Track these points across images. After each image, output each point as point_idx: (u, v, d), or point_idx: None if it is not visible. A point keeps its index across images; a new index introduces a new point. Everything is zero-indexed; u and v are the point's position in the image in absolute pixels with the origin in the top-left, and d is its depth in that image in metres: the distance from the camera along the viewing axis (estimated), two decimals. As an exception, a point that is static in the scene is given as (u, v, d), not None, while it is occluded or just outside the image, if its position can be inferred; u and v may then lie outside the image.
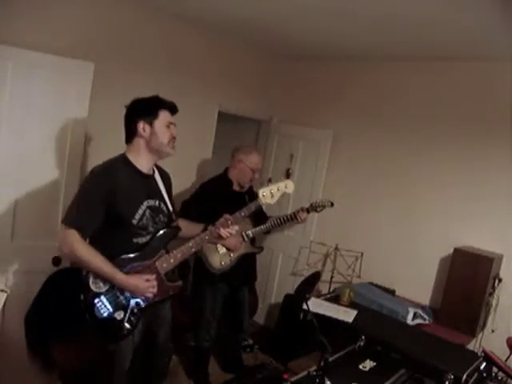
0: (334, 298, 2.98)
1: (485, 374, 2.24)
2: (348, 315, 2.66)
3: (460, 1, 2.12)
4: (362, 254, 3.36)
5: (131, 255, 1.92)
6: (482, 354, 2.35)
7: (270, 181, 2.26)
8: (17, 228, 2.49)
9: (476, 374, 2.18)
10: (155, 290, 1.95)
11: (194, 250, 2.08)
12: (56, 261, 2.65)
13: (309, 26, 2.96)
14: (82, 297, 1.91)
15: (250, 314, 3.59)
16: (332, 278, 3.45)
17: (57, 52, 2.49)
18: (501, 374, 2.29)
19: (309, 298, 2.39)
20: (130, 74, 3.03)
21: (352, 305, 2.88)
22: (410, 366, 2.16)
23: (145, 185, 1.99)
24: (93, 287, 1.89)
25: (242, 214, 2.25)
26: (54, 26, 2.61)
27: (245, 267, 3.00)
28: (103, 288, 1.89)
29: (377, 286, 3.31)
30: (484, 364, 2.26)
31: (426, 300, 3.20)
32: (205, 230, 2.16)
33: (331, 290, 3.39)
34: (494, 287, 2.85)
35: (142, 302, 1.96)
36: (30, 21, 2.50)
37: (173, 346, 2.55)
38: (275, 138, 4.22)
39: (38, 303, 2.50)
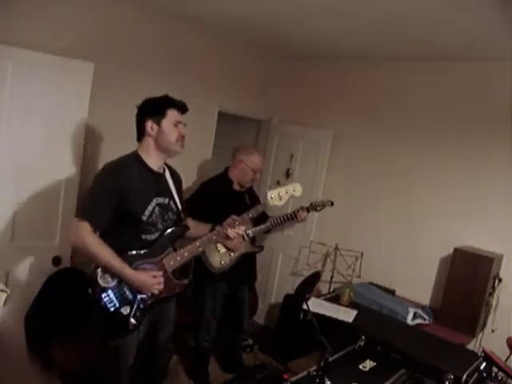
0: (334, 298, 2.98)
1: (485, 374, 2.24)
2: (348, 315, 2.66)
3: (460, 1, 2.12)
4: (362, 254, 3.36)
5: (139, 251, 1.96)
6: (482, 354, 2.35)
7: (278, 183, 2.28)
8: (17, 228, 2.49)
9: (476, 374, 2.18)
10: (161, 286, 1.97)
11: (201, 249, 2.12)
12: (56, 261, 2.65)
13: (309, 25, 2.96)
14: (89, 291, 1.94)
15: (250, 314, 3.59)
16: (332, 278, 3.45)
17: (57, 52, 2.49)
18: (501, 374, 2.29)
19: (309, 298, 2.39)
20: (130, 74, 3.03)
21: (352, 305, 2.88)
22: (410, 366, 2.16)
23: (155, 182, 2.03)
24: (101, 282, 1.92)
25: (250, 215, 2.27)
26: (54, 26, 2.61)
27: (245, 267, 3.00)
28: (111, 283, 1.93)
29: (377, 286, 3.31)
30: (484, 364, 2.26)
31: (426, 300, 3.20)
32: (212, 230, 2.18)
33: (331, 290, 3.39)
34: (493, 287, 2.85)
35: (148, 299, 1.98)
36: (30, 21, 2.50)
37: (173, 345, 2.55)
38: (275, 138, 4.22)
39: (38, 303, 2.50)
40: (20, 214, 2.49)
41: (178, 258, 2.04)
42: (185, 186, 3.46)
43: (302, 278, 2.48)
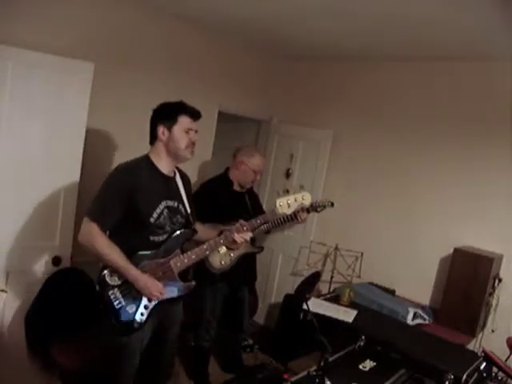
0: (334, 298, 2.99)
1: (485, 374, 2.24)
2: (348, 315, 2.66)
3: (460, 1, 2.12)
4: (362, 254, 3.36)
5: (147, 252, 1.98)
6: (482, 354, 2.35)
7: (287, 191, 2.27)
8: (17, 228, 2.49)
9: (476, 374, 2.18)
10: (162, 297, 1.99)
11: (208, 252, 2.13)
12: (56, 261, 2.65)
13: (309, 25, 2.96)
14: (97, 288, 1.98)
15: (250, 314, 3.59)
16: (332, 278, 3.45)
17: (57, 52, 2.48)
18: (501, 374, 2.29)
19: (309, 298, 2.40)
20: (130, 74, 3.04)
21: (352, 305, 2.88)
22: (410, 366, 2.16)
23: (165, 186, 2.06)
24: (108, 280, 1.96)
25: (258, 221, 2.26)
26: (53, 26, 2.61)
27: (245, 267, 3.00)
28: (118, 281, 1.96)
29: (377, 286, 3.31)
30: (484, 364, 2.26)
31: (426, 300, 3.20)
32: (220, 234, 2.19)
33: (331, 290, 3.39)
34: (493, 287, 2.85)
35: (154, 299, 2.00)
36: (30, 21, 2.50)
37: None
38: (275, 138, 4.22)
39: (38, 303, 2.50)
40: (20, 214, 2.49)
41: (186, 261, 2.06)
42: (185, 186, 3.48)
43: (302, 278, 2.48)
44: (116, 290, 1.96)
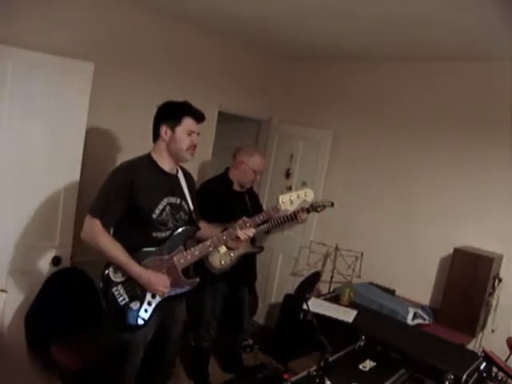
0: (334, 298, 2.98)
1: (485, 374, 2.24)
2: (348, 315, 2.66)
3: (460, 1, 2.12)
4: (362, 254, 3.36)
5: (150, 249, 1.99)
6: (482, 354, 2.35)
7: (290, 188, 2.27)
8: (17, 228, 2.49)
9: (476, 374, 2.18)
10: (166, 290, 2.00)
11: (211, 249, 2.14)
12: (56, 261, 2.65)
13: (309, 25, 2.96)
14: (100, 285, 1.99)
15: (250, 314, 3.58)
16: (332, 277, 3.45)
17: (57, 52, 2.48)
18: (501, 374, 2.29)
19: (309, 298, 2.40)
20: (130, 74, 3.04)
21: (352, 305, 2.88)
22: (410, 366, 2.16)
23: (167, 183, 2.07)
24: (112, 276, 1.97)
25: (261, 217, 2.26)
26: (54, 26, 2.61)
27: (245, 267, 3.00)
28: (121, 278, 1.97)
29: (377, 286, 3.31)
30: (484, 364, 2.26)
31: (426, 300, 3.20)
32: (223, 231, 2.20)
33: (331, 290, 3.39)
34: (494, 287, 2.85)
35: (157, 295, 2.01)
36: (30, 21, 2.50)
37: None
38: (275, 138, 4.22)
39: (38, 303, 2.50)
40: (20, 214, 2.49)
41: (189, 257, 2.07)
42: (185, 186, 3.48)
43: (302, 278, 2.48)
44: (120, 286, 1.97)
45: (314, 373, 1.91)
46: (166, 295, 2.03)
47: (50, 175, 2.57)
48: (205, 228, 2.25)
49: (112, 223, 1.96)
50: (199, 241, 2.15)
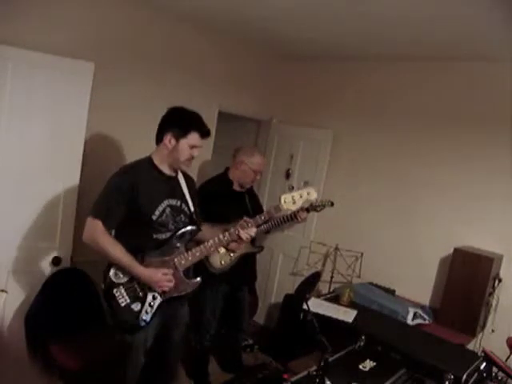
0: (334, 298, 2.99)
1: (485, 374, 2.24)
2: (348, 315, 2.66)
3: (460, 1, 2.12)
4: (361, 254, 3.36)
5: (151, 250, 2.01)
6: (482, 354, 2.35)
7: (292, 188, 2.27)
8: (17, 228, 2.49)
9: (476, 374, 2.18)
10: (171, 284, 2.01)
11: (212, 249, 2.15)
12: (56, 261, 2.65)
13: (309, 25, 2.96)
14: (102, 286, 2.00)
15: (249, 314, 3.59)
16: (332, 277, 3.45)
17: (57, 52, 2.49)
18: (501, 374, 2.29)
19: (309, 298, 2.39)
20: (130, 74, 3.03)
21: (352, 305, 2.88)
22: (410, 366, 2.16)
23: (167, 185, 2.08)
24: (113, 278, 1.98)
25: (262, 217, 2.26)
26: (54, 26, 2.61)
27: (245, 267, 2.99)
28: (123, 279, 1.99)
29: (377, 286, 3.31)
30: (484, 364, 2.26)
31: (425, 300, 3.20)
32: (224, 231, 2.19)
33: (331, 289, 3.39)
34: (494, 287, 2.85)
35: (159, 296, 2.02)
36: (30, 21, 2.50)
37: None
38: (275, 138, 4.22)
39: (38, 303, 2.50)
40: (20, 214, 2.49)
41: (190, 258, 2.07)
42: (185, 186, 3.48)
43: (302, 278, 2.48)
44: (121, 287, 1.98)
45: (314, 373, 1.91)
46: (167, 296, 2.02)
47: (49, 175, 2.57)
48: (206, 230, 2.26)
49: (113, 225, 1.97)
50: (200, 243, 2.15)
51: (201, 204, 2.53)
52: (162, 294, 2.03)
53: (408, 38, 2.85)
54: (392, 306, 2.90)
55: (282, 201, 2.21)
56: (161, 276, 1.96)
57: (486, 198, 2.99)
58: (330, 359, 1.96)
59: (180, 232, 2.07)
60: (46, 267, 2.61)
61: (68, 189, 2.65)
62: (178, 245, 2.07)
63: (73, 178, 2.67)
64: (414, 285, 3.26)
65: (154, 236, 2.02)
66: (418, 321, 2.86)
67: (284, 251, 4.07)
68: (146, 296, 2.00)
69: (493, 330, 2.90)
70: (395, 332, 2.55)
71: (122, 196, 1.93)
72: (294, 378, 1.95)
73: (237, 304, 3.12)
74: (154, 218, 1.99)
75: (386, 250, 3.45)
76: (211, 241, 2.12)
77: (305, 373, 1.98)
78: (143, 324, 1.99)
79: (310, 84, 4.08)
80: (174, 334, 2.21)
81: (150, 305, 2.00)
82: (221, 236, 2.15)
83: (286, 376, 1.97)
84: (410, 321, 2.81)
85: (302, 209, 2.95)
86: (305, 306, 2.21)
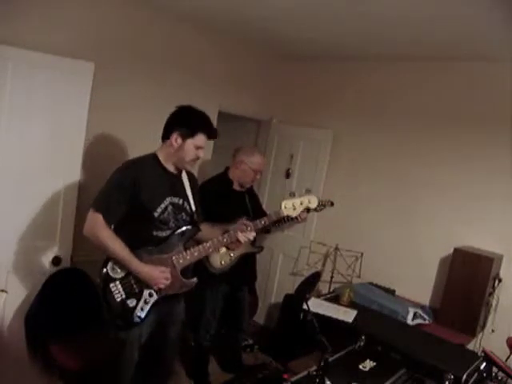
0: (334, 298, 2.98)
1: (485, 374, 2.24)
2: (348, 315, 2.66)
3: (460, 1, 2.12)
4: (361, 254, 3.36)
5: (150, 247, 2.01)
6: (482, 354, 2.35)
7: (294, 194, 2.28)
8: (17, 228, 2.49)
9: (476, 374, 2.18)
10: (168, 282, 2.01)
11: (210, 250, 2.15)
12: (56, 261, 2.65)
13: (309, 26, 2.96)
14: (98, 280, 2.00)
15: (249, 314, 3.58)
16: (332, 277, 3.45)
17: (57, 52, 2.49)
18: (501, 374, 2.29)
19: (309, 298, 2.39)
20: (130, 74, 3.03)
21: (352, 305, 2.88)
22: (410, 366, 2.16)
23: (170, 182, 2.08)
24: (110, 272, 1.98)
25: (262, 222, 2.27)
26: (54, 26, 2.61)
27: (245, 267, 2.99)
28: (119, 274, 1.99)
29: (377, 286, 3.31)
30: (484, 364, 2.26)
31: (425, 300, 3.20)
32: (223, 233, 2.20)
33: (331, 289, 3.39)
34: (494, 287, 2.85)
35: (155, 293, 2.02)
36: (30, 21, 2.50)
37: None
38: (275, 138, 4.22)
39: (38, 303, 2.50)
40: (20, 214, 2.49)
41: (188, 257, 2.08)
42: (185, 186, 3.48)
43: (302, 278, 2.48)
44: (118, 282, 1.98)
45: (314, 373, 1.91)
46: (163, 294, 2.03)
47: (49, 175, 2.57)
48: (206, 230, 2.26)
49: (114, 219, 1.97)
50: (199, 242, 2.15)
51: (201, 203, 2.53)
52: (158, 291, 2.02)
53: (408, 38, 2.86)
54: (392, 306, 2.90)
55: (283, 206, 2.22)
56: (158, 273, 1.97)
57: (486, 197, 2.99)
58: (330, 359, 1.96)
59: (180, 230, 2.07)
60: (46, 267, 2.61)
61: (68, 189, 2.65)
62: (177, 243, 2.07)
63: (73, 179, 2.67)
64: (414, 285, 3.26)
65: (154, 233, 2.02)
66: (418, 321, 2.86)
67: (284, 251, 4.07)
68: (141, 292, 2.00)
69: (493, 330, 2.90)
70: (395, 332, 2.55)
71: (124, 192, 1.93)
72: (293, 378, 1.94)
73: (237, 304, 3.12)
74: (156, 214, 1.99)
75: (386, 249, 3.45)
76: (210, 242, 2.12)
77: (305, 373, 1.98)
78: (137, 320, 1.99)
79: (309, 84, 4.08)
80: (170, 331, 2.21)
81: (145, 301, 2.00)
82: (220, 237, 2.15)
83: (285, 376, 1.97)
84: (410, 321, 2.81)
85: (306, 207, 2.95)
86: (305, 306, 2.21)
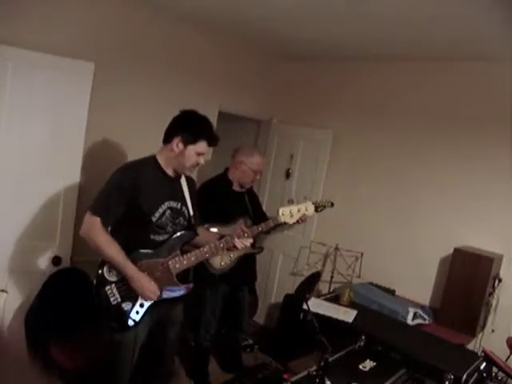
0: (334, 298, 2.98)
1: (485, 374, 2.24)
2: (348, 315, 2.66)
3: (460, 1, 2.12)
4: (361, 254, 3.36)
5: (147, 251, 1.99)
6: (482, 354, 2.35)
7: (291, 202, 2.29)
8: (17, 228, 2.49)
9: (476, 374, 2.18)
10: (155, 298, 1.98)
11: (207, 255, 2.12)
12: (56, 261, 2.65)
13: (309, 26, 2.96)
14: (94, 282, 1.99)
15: (249, 314, 3.58)
16: (332, 277, 3.45)
17: (57, 52, 2.49)
18: (501, 374, 2.29)
19: (309, 298, 2.39)
20: (130, 74, 3.04)
21: (352, 305, 2.88)
22: (410, 366, 2.16)
23: (169, 186, 2.07)
24: (106, 275, 1.97)
25: (259, 229, 2.26)
26: (54, 26, 2.61)
27: (245, 267, 2.99)
28: (115, 277, 1.97)
29: (377, 286, 3.31)
30: (484, 364, 2.26)
31: (425, 300, 3.20)
32: (220, 238, 2.18)
33: (331, 289, 3.39)
34: (494, 287, 2.85)
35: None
36: (30, 21, 2.50)
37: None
38: (275, 138, 4.22)
39: (38, 303, 2.50)
40: (20, 214, 2.50)
41: (185, 262, 2.06)
42: (185, 186, 3.48)
43: (302, 278, 2.48)
44: (113, 285, 1.97)
45: (314, 373, 1.91)
46: (159, 298, 2.01)
47: (49, 175, 2.57)
48: (203, 234, 2.25)
49: (111, 222, 1.95)
50: (196, 246, 2.14)
51: (201, 205, 2.54)
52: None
53: (408, 38, 2.85)
54: (392, 306, 2.90)
55: (280, 213, 2.23)
56: (148, 285, 1.94)
57: (486, 197, 2.99)
58: (330, 359, 1.96)
59: (177, 235, 2.06)
60: (46, 267, 2.62)
61: (68, 189, 2.65)
62: (174, 247, 2.05)
63: (73, 179, 2.67)
64: (414, 285, 3.26)
65: (151, 237, 2.01)
66: (418, 321, 2.86)
67: (284, 251, 4.07)
68: (137, 296, 1.98)
69: (493, 330, 2.90)
70: (395, 332, 2.55)
71: (123, 194, 1.92)
72: (293, 378, 1.94)
73: (237, 304, 3.12)
74: (154, 219, 1.98)
75: (386, 250, 3.45)
76: (207, 247, 2.10)
77: (305, 373, 1.98)
78: (132, 324, 1.97)
79: (310, 84, 4.08)
80: (168, 332, 2.20)
81: (140, 305, 1.99)
82: (217, 243, 2.13)
83: (286, 376, 1.97)
84: (410, 321, 2.81)
85: (303, 215, 2.94)
86: (305, 306, 2.21)
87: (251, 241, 2.23)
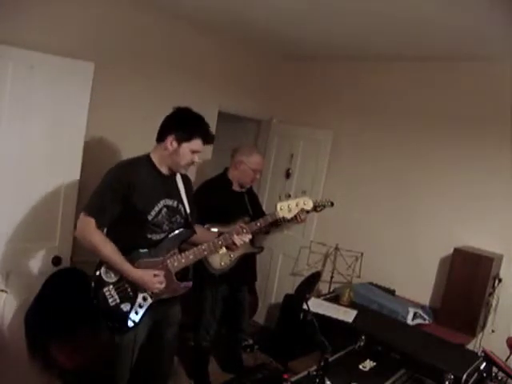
0: (334, 298, 2.99)
1: (485, 374, 2.24)
2: (348, 315, 2.66)
3: (460, 1, 2.12)
4: (361, 254, 3.36)
5: (144, 250, 1.98)
6: (482, 354, 2.35)
7: (289, 196, 2.29)
8: (17, 228, 2.49)
9: (476, 374, 2.18)
10: (162, 286, 1.98)
11: (206, 253, 2.12)
12: (56, 261, 2.65)
13: (309, 26, 2.96)
14: (92, 284, 1.97)
15: (249, 314, 3.58)
16: (332, 278, 3.45)
17: (57, 52, 2.49)
18: (501, 374, 2.29)
19: (309, 298, 2.40)
20: (130, 73, 3.04)
21: (352, 305, 2.88)
22: (410, 366, 2.16)
23: (164, 184, 2.05)
24: (104, 276, 1.96)
25: (258, 224, 2.26)
26: (54, 26, 2.61)
27: (245, 267, 2.99)
28: (113, 278, 1.96)
29: (377, 286, 3.31)
30: (484, 364, 2.26)
31: (425, 300, 3.20)
32: (219, 236, 2.18)
33: (331, 290, 3.39)
34: (494, 287, 2.85)
35: (149, 297, 2.00)
36: (30, 20, 2.50)
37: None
38: (275, 138, 4.22)
39: (38, 303, 2.50)
40: (20, 213, 2.49)
41: (183, 260, 2.05)
42: (185, 186, 3.48)
43: (302, 278, 2.48)
44: (111, 287, 1.96)
45: (314, 373, 1.91)
46: (158, 298, 2.01)
47: (50, 175, 2.57)
48: (201, 232, 2.24)
49: (107, 223, 1.94)
50: (194, 245, 2.13)
51: (200, 205, 2.54)
52: (153, 295, 2.00)
53: (408, 38, 2.85)
54: (392, 306, 2.90)
55: (278, 208, 2.23)
56: (151, 277, 1.94)
57: (486, 197, 2.99)
58: (330, 359, 1.96)
59: (174, 234, 2.05)
60: (46, 267, 2.61)
61: (68, 189, 2.65)
62: (172, 246, 2.05)
63: (73, 178, 2.67)
64: (414, 285, 3.26)
65: (149, 236, 2.00)
66: (418, 321, 2.86)
67: (284, 251, 4.07)
68: (136, 297, 1.98)
69: (493, 330, 2.90)
70: (395, 332, 2.55)
71: (117, 194, 1.90)
72: (293, 378, 1.95)
73: (237, 304, 3.12)
74: (150, 218, 1.96)
75: (386, 250, 3.45)
76: (206, 244, 2.10)
77: (305, 373, 1.98)
78: (131, 325, 1.97)
79: (310, 84, 4.08)
80: (166, 333, 2.20)
81: (139, 306, 1.98)
82: (215, 240, 2.13)
83: (286, 376, 1.97)
84: (410, 321, 2.81)
85: (302, 209, 2.95)
86: (305, 306, 2.21)
87: (250, 237, 2.23)
